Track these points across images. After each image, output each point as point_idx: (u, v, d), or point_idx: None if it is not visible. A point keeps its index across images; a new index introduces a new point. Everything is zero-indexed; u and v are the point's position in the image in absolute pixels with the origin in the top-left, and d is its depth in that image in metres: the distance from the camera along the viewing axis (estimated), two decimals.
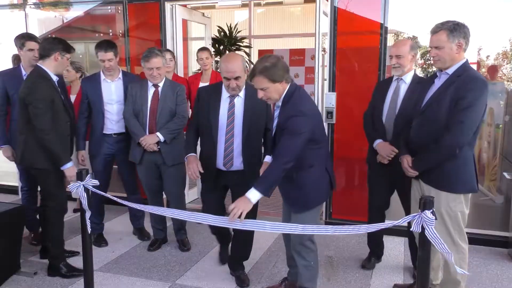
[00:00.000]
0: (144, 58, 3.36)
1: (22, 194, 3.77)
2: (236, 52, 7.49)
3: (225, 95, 2.85)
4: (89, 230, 2.47)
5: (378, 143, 3.05)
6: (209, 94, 2.91)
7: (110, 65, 3.52)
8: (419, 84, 2.85)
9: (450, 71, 2.41)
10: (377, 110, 3.10)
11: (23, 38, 3.42)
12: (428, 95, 2.52)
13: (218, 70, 6.49)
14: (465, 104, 2.29)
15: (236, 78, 2.69)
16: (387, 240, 3.36)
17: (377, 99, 3.13)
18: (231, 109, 2.83)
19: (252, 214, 2.47)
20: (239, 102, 2.85)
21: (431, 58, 2.46)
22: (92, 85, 3.63)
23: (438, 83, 2.49)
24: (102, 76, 3.62)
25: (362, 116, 3.26)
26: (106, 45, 3.52)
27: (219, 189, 3.04)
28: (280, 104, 2.46)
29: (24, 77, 3.34)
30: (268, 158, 2.72)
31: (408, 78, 3.00)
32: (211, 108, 2.86)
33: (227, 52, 7.49)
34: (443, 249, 1.93)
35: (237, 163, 2.89)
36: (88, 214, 2.43)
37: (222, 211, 3.01)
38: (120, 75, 3.67)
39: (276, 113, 2.50)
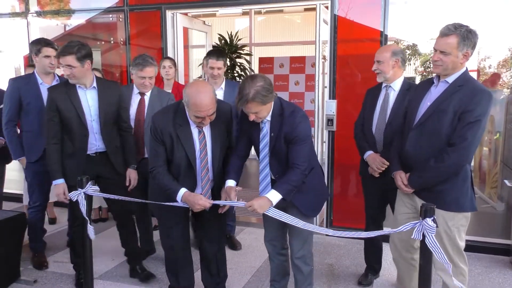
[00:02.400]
0: (138, 66, 3.17)
1: (31, 211, 3.43)
2: (236, 59, 7.54)
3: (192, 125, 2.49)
4: (92, 236, 2.46)
5: (368, 154, 2.94)
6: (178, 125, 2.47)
7: (218, 73, 3.52)
8: (410, 91, 2.70)
9: (450, 79, 2.23)
10: (366, 119, 2.99)
11: (39, 44, 3.19)
12: (424, 104, 2.32)
13: None
14: (472, 118, 2.12)
15: (211, 114, 2.36)
16: (388, 248, 3.34)
17: (367, 108, 3.03)
18: (203, 141, 2.51)
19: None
20: (206, 129, 2.53)
21: (431, 61, 2.27)
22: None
23: (435, 91, 2.29)
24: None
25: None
26: (219, 53, 3.56)
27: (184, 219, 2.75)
28: (269, 118, 2.39)
29: (40, 85, 3.25)
30: (231, 182, 2.50)
31: (397, 85, 2.89)
32: (184, 142, 2.46)
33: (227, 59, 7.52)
34: (443, 259, 1.91)
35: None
36: (87, 222, 2.44)
37: (189, 242, 2.83)
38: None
39: (266, 127, 2.41)
